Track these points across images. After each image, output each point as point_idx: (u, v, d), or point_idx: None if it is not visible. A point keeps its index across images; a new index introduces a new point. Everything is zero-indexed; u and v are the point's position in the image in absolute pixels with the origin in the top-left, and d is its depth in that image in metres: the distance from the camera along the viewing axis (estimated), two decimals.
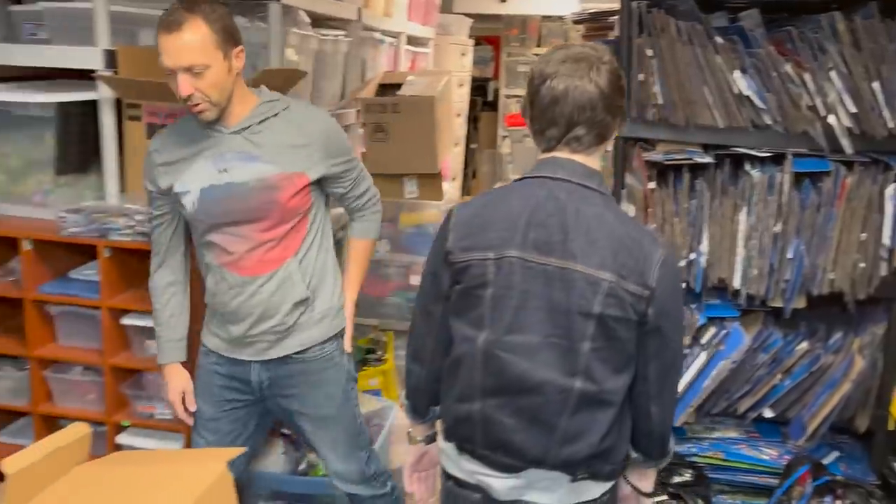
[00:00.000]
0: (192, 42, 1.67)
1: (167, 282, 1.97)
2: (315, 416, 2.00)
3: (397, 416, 2.76)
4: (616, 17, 3.37)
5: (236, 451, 1.43)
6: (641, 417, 1.50)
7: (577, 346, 1.40)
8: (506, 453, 1.45)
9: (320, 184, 1.92)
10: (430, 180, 3.27)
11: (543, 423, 1.42)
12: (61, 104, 2.15)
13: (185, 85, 1.69)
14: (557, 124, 1.43)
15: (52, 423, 2.34)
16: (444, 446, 1.56)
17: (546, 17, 7.02)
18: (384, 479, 2.16)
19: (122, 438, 2.28)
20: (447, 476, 1.56)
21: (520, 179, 1.50)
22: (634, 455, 1.55)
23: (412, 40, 4.46)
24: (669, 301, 1.43)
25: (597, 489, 1.48)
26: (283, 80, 2.51)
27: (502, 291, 1.42)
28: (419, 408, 1.65)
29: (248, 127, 1.82)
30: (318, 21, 3.01)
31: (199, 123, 1.81)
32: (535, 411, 1.42)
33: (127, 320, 2.20)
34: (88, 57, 2.17)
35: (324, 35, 3.01)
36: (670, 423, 1.55)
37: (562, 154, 1.46)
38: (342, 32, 3.25)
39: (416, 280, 3.28)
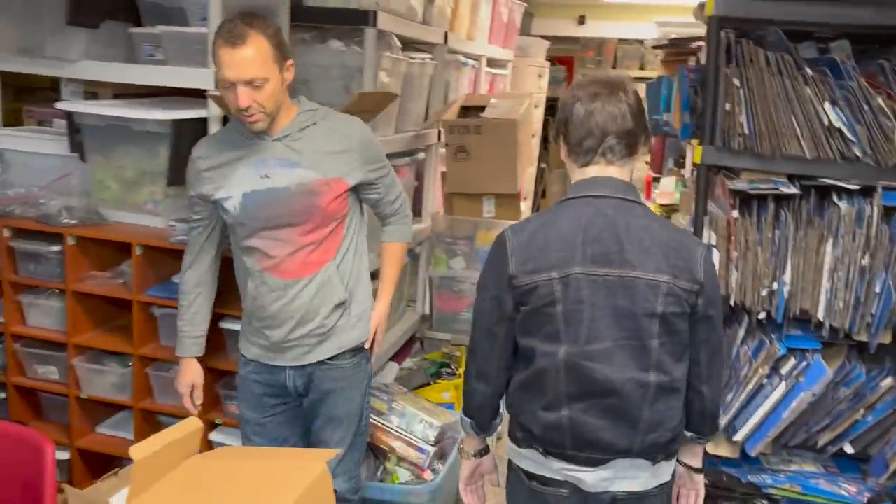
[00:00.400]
0: (254, 56, 1.76)
1: (195, 282, 2.08)
2: (331, 416, 2.06)
3: None
4: (698, 43, 3.39)
5: (334, 452, 1.52)
6: (696, 398, 1.66)
7: (647, 343, 1.55)
8: (594, 450, 1.58)
9: (356, 190, 2.00)
10: (509, 200, 3.35)
11: (628, 418, 1.56)
12: (175, 121, 2.31)
13: (244, 97, 1.78)
14: (593, 135, 1.58)
15: (150, 418, 2.50)
16: (524, 452, 1.65)
17: (623, 40, 7.03)
18: (357, 486, 2.17)
19: (213, 436, 2.41)
20: (529, 476, 1.65)
21: (564, 200, 1.62)
22: (689, 435, 1.71)
23: (492, 62, 4.57)
24: (714, 291, 1.62)
25: (669, 469, 1.66)
26: (378, 102, 2.64)
27: (573, 306, 1.54)
28: (483, 424, 1.74)
29: (289, 135, 1.91)
30: (407, 45, 3.14)
31: (244, 132, 1.91)
32: (620, 408, 1.56)
33: (223, 324, 2.34)
34: (201, 77, 2.33)
35: (412, 58, 3.13)
36: (719, 401, 1.75)
37: (599, 170, 1.60)
38: (429, 56, 3.37)
39: None
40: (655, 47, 4.71)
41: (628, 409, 1.55)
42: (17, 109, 3.28)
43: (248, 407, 2.09)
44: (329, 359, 2.02)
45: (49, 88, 4.23)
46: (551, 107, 7.06)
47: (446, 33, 3.50)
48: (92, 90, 2.63)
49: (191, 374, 2.12)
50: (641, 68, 7.07)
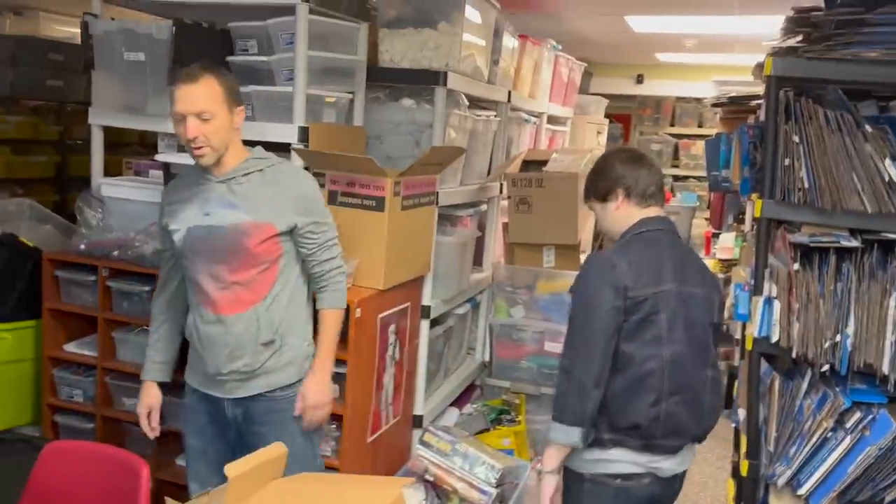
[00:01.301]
0: (203, 92, 1.95)
1: (160, 310, 2.25)
2: None
3: (530, 476, 2.86)
4: (757, 101, 3.47)
5: (411, 480, 1.61)
6: None
7: (709, 346, 2.04)
8: (677, 437, 1.98)
9: (291, 238, 2.10)
10: (568, 251, 3.44)
11: (700, 407, 2.01)
12: None
13: (192, 127, 1.95)
14: (657, 185, 2.11)
15: None
16: (612, 453, 1.96)
17: (681, 99, 7.13)
18: None
19: None
20: (612, 477, 1.96)
21: (640, 233, 2.05)
22: None
23: (552, 119, 4.72)
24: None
25: None
26: (448, 156, 2.79)
27: (671, 315, 1.95)
28: (590, 431, 1.93)
29: (233, 178, 2.06)
30: (473, 102, 3.31)
31: (196, 170, 2.09)
32: (696, 400, 2.00)
33: None
34: (287, 132, 2.53)
35: (478, 115, 3.30)
36: None
37: (655, 211, 2.10)
38: (493, 113, 3.54)
39: (551, 346, 3.41)
40: (714, 105, 4.79)
41: (701, 401, 2.00)
42: (113, 161, 3.57)
43: (191, 433, 2.23)
44: (262, 393, 2.12)
45: (137, 143, 4.58)
46: None
47: (510, 92, 3.67)
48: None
49: (148, 397, 2.25)
50: (699, 126, 7.14)
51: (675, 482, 2.06)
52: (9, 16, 4.52)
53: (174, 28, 2.49)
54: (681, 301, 1.96)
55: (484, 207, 3.59)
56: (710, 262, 5.50)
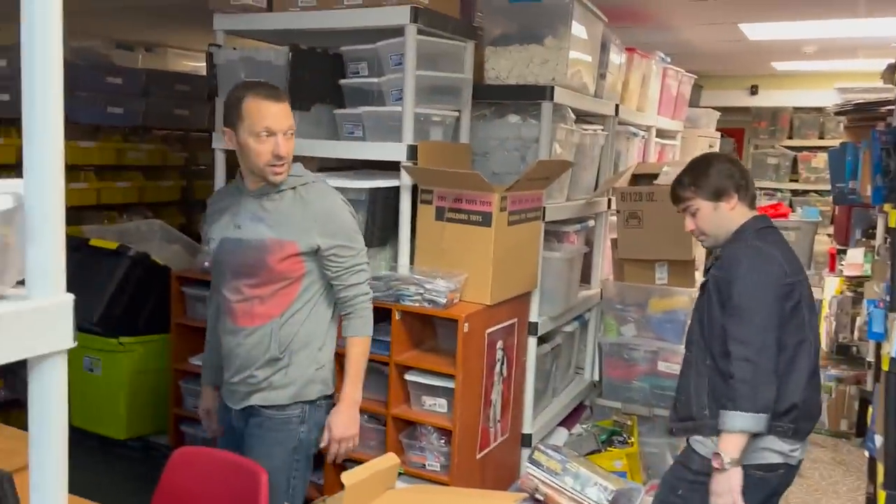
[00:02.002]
0: (288, 110, 1.99)
1: (213, 315, 2.25)
2: None
3: (643, 501, 2.76)
4: (889, 107, 3.25)
5: (521, 496, 1.58)
6: None
7: (818, 332, 2.14)
8: (812, 420, 2.07)
9: (316, 259, 2.05)
10: (683, 267, 3.31)
11: (820, 392, 2.11)
12: (372, 189, 2.57)
13: (287, 145, 1.97)
14: (754, 185, 2.20)
15: (337, 464, 2.68)
16: (766, 442, 1.99)
17: (799, 109, 6.78)
18: None
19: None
20: (755, 468, 1.99)
21: (766, 227, 2.12)
22: None
23: (661, 133, 4.60)
24: None
25: None
26: (554, 170, 2.77)
27: (808, 302, 2.06)
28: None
29: (267, 194, 2.05)
30: (580, 117, 3.27)
31: (238, 186, 2.10)
32: (819, 385, 2.11)
33: (410, 376, 2.50)
34: (396, 150, 2.58)
35: (585, 129, 3.25)
36: None
37: (758, 209, 2.20)
38: (600, 127, 3.48)
39: (665, 366, 3.29)
40: (838, 114, 4.53)
41: (820, 387, 2.12)
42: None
43: (220, 441, 2.28)
44: (261, 407, 2.09)
45: None
46: None
47: (617, 106, 3.60)
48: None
49: (207, 401, 2.30)
50: (820, 136, 6.75)
51: (794, 471, 2.12)
52: (141, 51, 4.89)
53: (290, 54, 2.61)
54: (808, 290, 2.08)
55: (591, 223, 3.53)
56: (835, 280, 5.16)
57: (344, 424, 2.07)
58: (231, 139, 2.03)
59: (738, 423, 1.91)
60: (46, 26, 0.85)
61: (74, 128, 3.98)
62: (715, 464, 1.94)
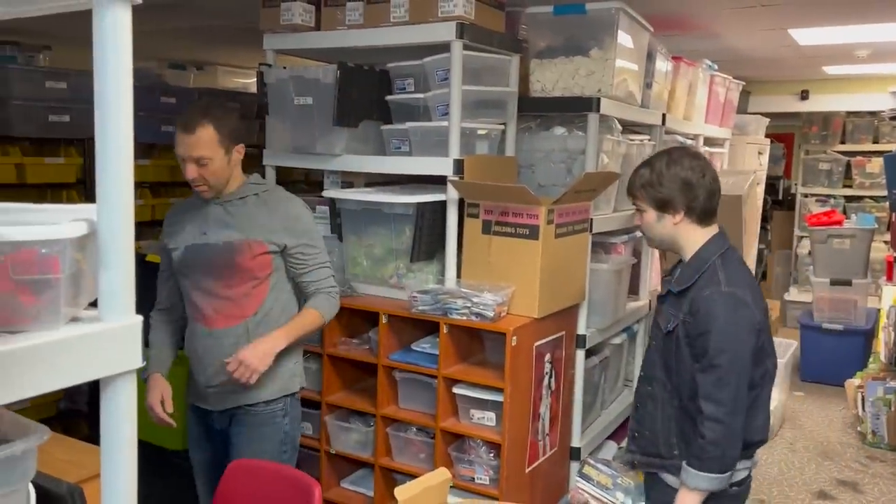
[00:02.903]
0: (199, 141, 2.10)
1: (159, 320, 2.36)
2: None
3: None
4: None
5: None
6: None
7: None
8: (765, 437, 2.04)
9: (283, 258, 2.21)
10: None
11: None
12: (419, 204, 2.59)
13: (190, 171, 2.12)
14: (717, 196, 2.00)
15: (388, 476, 2.70)
16: (738, 465, 1.94)
17: (852, 113, 6.61)
18: None
19: None
20: (731, 485, 1.95)
21: (724, 253, 1.97)
22: None
23: (709, 141, 4.54)
24: None
25: None
26: (601, 182, 2.76)
27: (766, 325, 1.96)
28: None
29: (230, 201, 2.21)
30: (626, 127, 3.25)
31: (199, 198, 2.22)
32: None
33: (458, 389, 2.50)
34: (442, 165, 2.60)
35: (631, 140, 3.23)
36: None
37: (715, 226, 2.02)
38: (647, 137, 3.45)
39: None
40: (894, 118, 4.40)
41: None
42: None
43: (192, 447, 2.38)
44: (245, 405, 2.22)
45: (302, 181, 4.89)
46: (769, 185, 6.77)
47: (664, 115, 3.57)
48: (348, 180, 3.02)
49: (157, 389, 2.27)
50: (875, 141, 6.57)
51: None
52: (192, 70, 5.02)
53: (338, 72, 2.65)
54: (766, 312, 1.98)
55: (639, 234, 3.49)
56: (892, 289, 5.00)
57: (256, 356, 2.12)
58: None
59: (704, 484, 1.86)
60: (119, 56, 0.88)
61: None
62: None
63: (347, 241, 2.84)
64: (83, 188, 3.80)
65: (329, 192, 2.86)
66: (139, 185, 4.38)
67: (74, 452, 1.82)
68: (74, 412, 3.80)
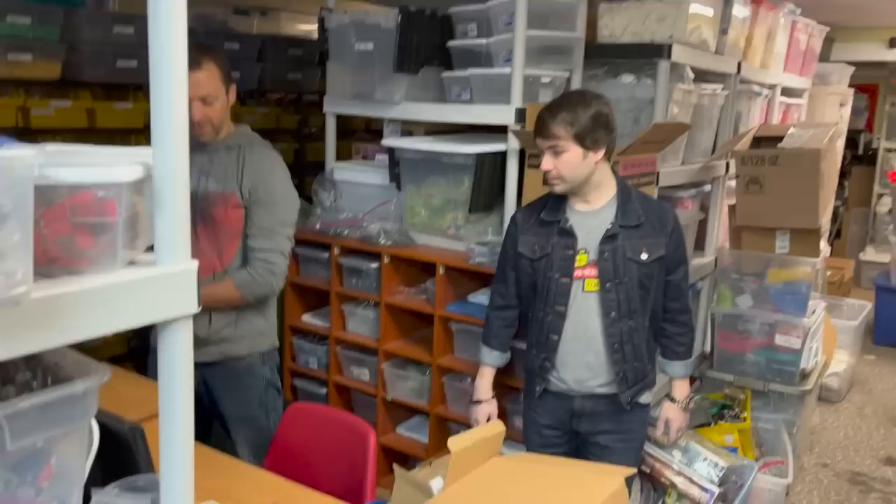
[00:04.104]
0: (206, 78, 2.03)
1: None
2: (236, 417, 2.25)
3: (757, 478, 2.66)
4: None
5: (632, 470, 1.55)
6: None
7: None
8: None
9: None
10: (806, 236, 3.11)
11: None
12: (479, 154, 2.54)
13: (197, 111, 2.04)
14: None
15: (442, 424, 2.73)
16: None
17: None
18: None
19: None
20: None
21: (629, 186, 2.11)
22: None
23: (787, 91, 4.30)
24: None
25: None
26: (670, 133, 2.64)
27: None
28: None
29: (216, 150, 2.14)
30: (698, 76, 3.10)
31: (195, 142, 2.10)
32: None
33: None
34: (504, 113, 2.54)
35: (703, 89, 3.08)
36: None
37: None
38: (720, 86, 3.29)
39: (783, 340, 3.13)
40: None
41: None
42: (342, 147, 3.82)
43: None
44: (217, 361, 2.18)
45: (363, 130, 4.88)
46: (848, 139, 6.42)
47: (739, 63, 3.39)
48: (408, 128, 2.98)
49: None
50: None
51: None
52: (256, 16, 5.00)
53: (400, 16, 2.59)
54: None
55: (708, 188, 3.36)
56: None
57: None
58: None
59: (690, 370, 2.24)
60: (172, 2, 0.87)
61: None
62: (682, 406, 2.23)
63: (406, 190, 2.81)
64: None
65: (388, 141, 2.84)
66: None
67: (141, 389, 1.88)
68: (145, 349, 3.95)
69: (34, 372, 0.98)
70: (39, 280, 0.81)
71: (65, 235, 0.85)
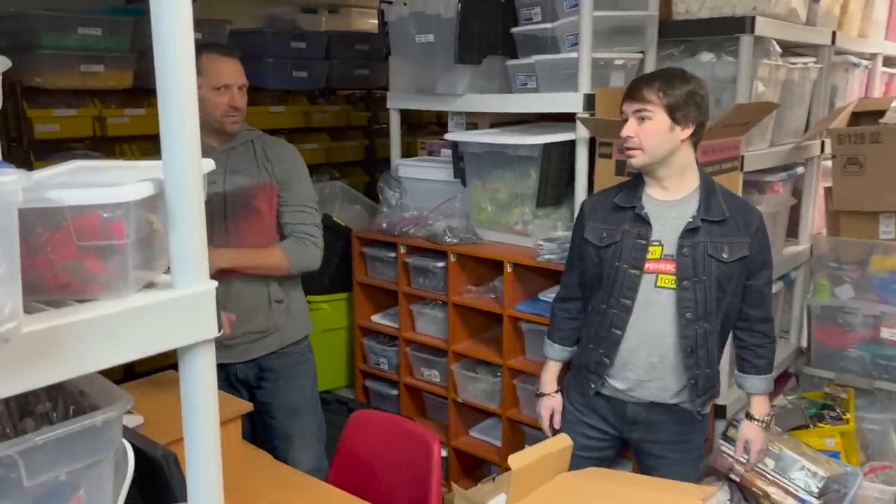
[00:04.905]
0: (241, 67, 2.09)
1: None
2: (289, 408, 2.24)
3: (862, 486, 2.43)
4: None
5: (710, 489, 1.41)
6: None
7: None
8: None
9: None
10: None
11: None
12: (545, 145, 2.41)
13: (242, 98, 2.07)
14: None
15: (515, 427, 2.63)
16: None
17: None
18: (321, 466, 2.25)
19: None
20: None
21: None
22: None
23: (889, 61, 3.94)
24: None
25: None
26: (755, 113, 2.44)
27: None
28: None
29: (234, 147, 2.13)
30: (787, 49, 2.86)
31: (213, 141, 2.11)
32: None
33: (522, 325, 2.36)
34: (571, 101, 2.40)
35: (793, 63, 2.84)
36: None
37: None
38: (812, 59, 3.03)
39: (888, 333, 2.87)
40: None
41: None
42: (411, 142, 3.76)
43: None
44: (275, 350, 2.19)
45: (434, 123, 4.80)
46: None
47: (834, 33, 3.11)
48: (473, 121, 2.88)
49: None
50: None
51: None
52: (324, 14, 5.00)
53: (460, 5, 2.49)
54: None
55: (800, 170, 3.11)
56: None
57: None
58: None
59: (771, 385, 2.01)
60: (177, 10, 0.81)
61: (264, 94, 4.17)
62: (762, 425, 2.03)
63: (471, 185, 2.72)
64: None
65: (451, 135, 2.74)
66: (276, 133, 4.48)
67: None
68: None
69: (55, 402, 0.94)
70: (40, 311, 0.76)
71: (72, 260, 0.80)
